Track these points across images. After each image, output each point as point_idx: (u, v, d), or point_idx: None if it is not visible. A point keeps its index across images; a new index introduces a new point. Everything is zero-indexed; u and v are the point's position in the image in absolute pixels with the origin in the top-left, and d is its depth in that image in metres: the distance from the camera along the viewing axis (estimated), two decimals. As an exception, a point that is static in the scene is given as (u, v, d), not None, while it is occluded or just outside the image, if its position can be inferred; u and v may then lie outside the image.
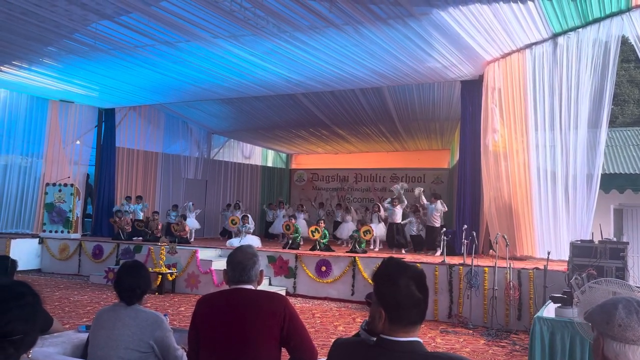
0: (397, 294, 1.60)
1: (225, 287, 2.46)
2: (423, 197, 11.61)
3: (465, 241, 8.64)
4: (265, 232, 15.67)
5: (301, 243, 11.67)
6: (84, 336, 3.17)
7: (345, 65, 9.75)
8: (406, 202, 11.76)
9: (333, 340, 1.82)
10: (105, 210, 13.98)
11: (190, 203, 14.55)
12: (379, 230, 12.34)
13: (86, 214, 14.60)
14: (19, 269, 3.62)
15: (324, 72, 10.21)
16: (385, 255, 10.16)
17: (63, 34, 8.68)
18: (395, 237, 11.45)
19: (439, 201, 11.23)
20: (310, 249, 11.10)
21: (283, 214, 14.56)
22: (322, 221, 11.84)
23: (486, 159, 10.13)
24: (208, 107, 14.33)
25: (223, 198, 17.26)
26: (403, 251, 11.32)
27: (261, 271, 2.49)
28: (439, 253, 10.66)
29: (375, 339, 1.67)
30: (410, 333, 1.61)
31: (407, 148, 17.62)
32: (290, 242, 11.46)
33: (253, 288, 2.42)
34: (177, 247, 10.59)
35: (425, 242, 11.60)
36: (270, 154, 20.09)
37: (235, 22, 7.83)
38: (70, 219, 12.84)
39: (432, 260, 9.33)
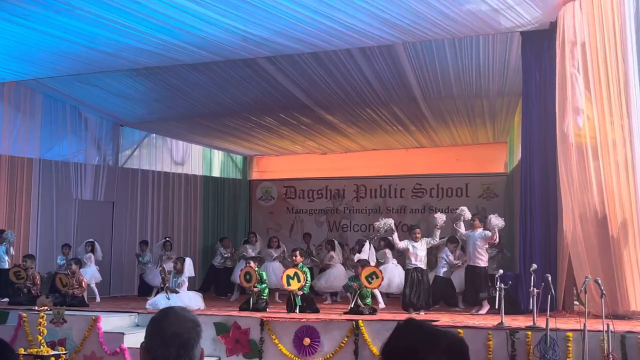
0: None
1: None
2: (462, 224, 11.60)
3: (535, 290, 8.73)
4: (207, 283, 15.69)
5: (270, 300, 11.39)
6: None
7: (336, 12, 9.68)
8: (437, 241, 11.71)
9: None
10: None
11: (92, 241, 14.50)
12: (393, 274, 12.36)
13: None
14: None
15: (303, 24, 10.12)
16: (403, 316, 10.24)
17: None
18: (412, 290, 11.26)
19: (480, 228, 11.26)
20: (287, 306, 11.16)
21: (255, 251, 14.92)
22: (298, 252, 12.11)
23: (565, 156, 10.16)
24: (114, 84, 14.15)
25: (140, 230, 17.20)
26: (422, 312, 11.22)
27: (202, 350, 2.58)
28: (484, 310, 10.81)
29: None
30: None
31: (437, 142, 17.70)
32: (254, 299, 11.47)
33: None
34: (67, 312, 10.37)
35: (465, 293, 11.74)
36: (217, 156, 20.01)
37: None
38: None
39: (481, 321, 9.43)
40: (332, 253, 14.33)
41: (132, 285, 16.11)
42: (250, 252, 14.87)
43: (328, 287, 13.95)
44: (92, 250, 14.45)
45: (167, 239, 15.61)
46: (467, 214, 11.73)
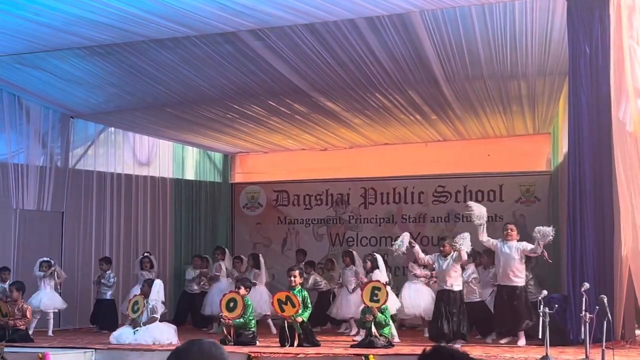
0: None
1: None
2: (484, 234, 11.69)
3: (588, 315, 8.79)
4: (181, 313, 15.79)
5: (255, 333, 11.52)
6: None
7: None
8: (469, 249, 11.61)
9: None
10: None
11: (44, 260, 14.36)
12: (418, 297, 12.18)
13: None
14: None
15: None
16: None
17: None
18: (445, 316, 11.28)
19: (516, 239, 11.38)
20: (280, 339, 11.34)
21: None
22: (297, 272, 12.20)
23: (623, 150, 10.15)
24: (63, 66, 13.75)
25: (97, 246, 16.67)
26: (458, 345, 11.08)
27: None
28: (522, 342, 11.07)
29: None
30: None
31: (464, 135, 17.63)
32: (235, 332, 11.53)
33: None
34: (7, 349, 10.46)
35: (496, 320, 11.73)
36: (191, 155, 19.80)
37: None
38: None
39: (521, 355, 9.60)
40: (333, 273, 14.67)
41: (86, 315, 15.73)
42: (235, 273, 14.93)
43: (342, 315, 14.07)
44: (51, 272, 14.39)
45: (147, 254, 15.63)
46: (479, 212, 11.75)
